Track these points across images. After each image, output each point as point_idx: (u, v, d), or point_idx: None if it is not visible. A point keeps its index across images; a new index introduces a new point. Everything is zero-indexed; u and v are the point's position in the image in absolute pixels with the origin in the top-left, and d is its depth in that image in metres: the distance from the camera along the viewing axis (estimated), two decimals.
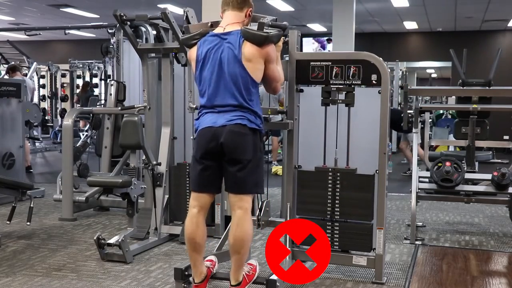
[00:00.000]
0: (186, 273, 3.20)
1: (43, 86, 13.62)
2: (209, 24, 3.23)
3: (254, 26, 3.02)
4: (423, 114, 5.29)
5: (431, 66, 20.20)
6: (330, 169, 3.53)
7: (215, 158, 3.00)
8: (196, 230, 3.03)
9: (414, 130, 5.09)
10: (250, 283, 3.08)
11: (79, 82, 14.09)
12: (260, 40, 2.94)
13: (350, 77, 3.43)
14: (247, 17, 3.10)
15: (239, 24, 3.04)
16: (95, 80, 13.17)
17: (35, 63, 11.74)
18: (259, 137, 3.05)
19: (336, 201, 3.52)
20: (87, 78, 13.80)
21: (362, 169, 3.50)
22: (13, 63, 10.42)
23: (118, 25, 5.29)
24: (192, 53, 3.11)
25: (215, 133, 2.95)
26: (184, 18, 4.03)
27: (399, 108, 10.62)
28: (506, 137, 8.51)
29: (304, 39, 13.63)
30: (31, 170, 8.46)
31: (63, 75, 13.56)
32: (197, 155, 3.04)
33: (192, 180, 3.15)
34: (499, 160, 7.79)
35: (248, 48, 2.93)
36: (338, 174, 3.51)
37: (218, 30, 3.07)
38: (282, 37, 3.28)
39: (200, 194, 3.07)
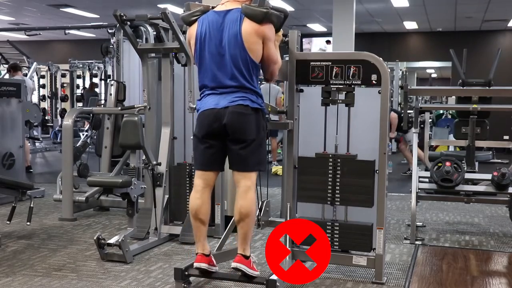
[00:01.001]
0: (186, 273, 3.21)
1: (43, 86, 13.62)
2: (210, 7, 3.23)
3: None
4: (423, 114, 5.29)
5: (431, 66, 20.21)
6: (330, 155, 3.51)
7: (218, 138, 3.04)
8: (200, 205, 3.13)
9: (414, 130, 5.09)
10: (251, 272, 3.09)
11: (79, 82, 14.10)
12: (260, 15, 2.96)
13: (350, 77, 3.43)
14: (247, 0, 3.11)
15: (239, 3, 3.06)
16: (95, 80, 13.19)
17: (35, 63, 11.75)
18: (262, 116, 3.10)
19: (337, 187, 3.51)
20: (87, 78, 13.82)
21: None
22: (15, 62, 10.38)
23: (118, 25, 5.29)
24: (192, 30, 3.12)
25: (218, 115, 3.01)
26: None
27: (398, 109, 10.64)
28: (506, 137, 8.53)
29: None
30: (31, 170, 8.46)
31: (63, 75, 13.56)
32: (199, 134, 3.11)
33: (196, 159, 3.23)
34: (499, 160, 7.81)
35: (247, 25, 2.96)
36: (339, 160, 3.50)
37: (218, 8, 3.09)
38: (282, 37, 3.29)
39: (205, 172, 3.15)
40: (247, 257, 3.10)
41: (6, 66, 11.01)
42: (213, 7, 3.21)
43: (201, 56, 3.08)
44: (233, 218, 3.24)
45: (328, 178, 3.51)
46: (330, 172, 3.51)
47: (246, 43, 2.97)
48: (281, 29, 3.23)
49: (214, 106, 3.03)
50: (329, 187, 3.52)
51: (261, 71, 3.21)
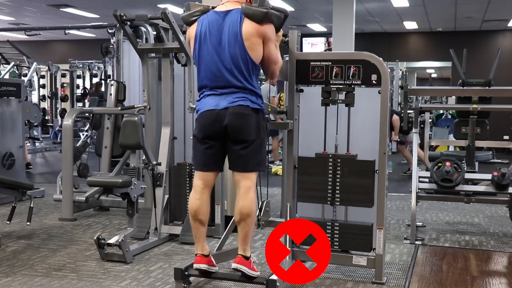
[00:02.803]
0: (186, 273, 3.21)
1: (43, 86, 13.62)
2: (210, 7, 3.23)
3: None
4: (423, 114, 5.29)
5: (431, 66, 20.20)
6: (330, 155, 3.51)
7: (218, 139, 3.04)
8: (200, 206, 3.12)
9: (414, 130, 5.09)
10: (251, 273, 3.09)
11: (79, 82, 14.10)
12: (260, 15, 2.96)
13: (350, 77, 3.43)
14: (248, 1, 3.11)
15: (239, 3, 3.07)
16: (95, 80, 13.17)
17: (35, 63, 11.75)
18: (262, 117, 3.10)
19: (337, 187, 3.50)
20: (87, 78, 13.81)
21: None
22: None
23: (118, 25, 5.29)
24: (192, 30, 3.12)
25: (218, 116, 3.00)
26: None
27: (398, 109, 10.64)
28: (506, 137, 8.53)
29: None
30: (31, 167, 8.47)
31: (63, 75, 13.57)
32: (199, 136, 3.10)
33: (195, 159, 3.22)
34: (499, 160, 7.80)
35: (247, 25, 2.96)
36: (339, 160, 3.50)
37: (218, 8, 3.09)
38: (282, 37, 3.29)
39: (205, 172, 3.14)
40: (247, 258, 3.10)
41: (6, 66, 11.02)
42: (213, 7, 3.21)
43: (200, 56, 3.08)
44: (233, 218, 3.24)
45: (328, 178, 3.51)
46: (330, 172, 3.51)
47: (247, 42, 2.97)
48: (281, 29, 3.23)
49: (214, 107, 3.02)
50: (329, 187, 3.51)
51: (261, 71, 3.21)
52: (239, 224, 3.09)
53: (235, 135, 3.01)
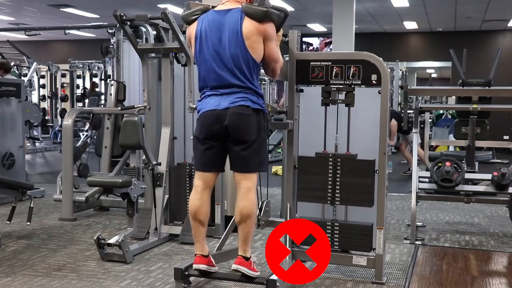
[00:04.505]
0: (186, 273, 3.21)
1: (43, 86, 13.62)
2: (210, 6, 3.24)
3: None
4: (423, 114, 5.29)
5: (431, 66, 20.21)
6: (330, 154, 3.51)
7: (219, 140, 3.05)
8: (200, 206, 3.12)
9: (414, 130, 5.09)
10: (251, 274, 3.08)
11: (79, 82, 14.11)
12: (261, 14, 2.96)
13: (350, 77, 3.43)
14: (248, 0, 3.12)
15: (239, 3, 3.08)
16: (95, 80, 13.18)
17: (35, 63, 11.75)
18: (263, 117, 3.10)
19: (337, 187, 3.50)
20: (87, 78, 13.82)
21: None
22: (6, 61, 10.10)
23: (118, 25, 5.29)
24: (192, 29, 3.13)
25: (219, 116, 3.00)
26: None
27: (398, 109, 10.64)
28: (506, 137, 8.53)
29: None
30: None
31: (63, 75, 13.57)
32: (200, 136, 3.10)
33: (196, 160, 3.21)
34: (499, 160, 7.81)
35: (247, 24, 2.96)
36: (339, 160, 3.49)
37: (218, 7, 3.10)
38: (283, 37, 3.30)
39: (205, 173, 3.14)
40: (247, 259, 3.09)
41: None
42: (213, 7, 3.21)
43: (201, 56, 3.08)
44: (233, 218, 3.24)
45: (328, 177, 3.51)
46: (330, 171, 3.51)
47: (247, 41, 2.97)
48: (281, 29, 3.24)
49: (215, 107, 3.02)
50: (329, 186, 3.51)
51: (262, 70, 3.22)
52: (239, 225, 3.09)
53: (235, 135, 3.01)
